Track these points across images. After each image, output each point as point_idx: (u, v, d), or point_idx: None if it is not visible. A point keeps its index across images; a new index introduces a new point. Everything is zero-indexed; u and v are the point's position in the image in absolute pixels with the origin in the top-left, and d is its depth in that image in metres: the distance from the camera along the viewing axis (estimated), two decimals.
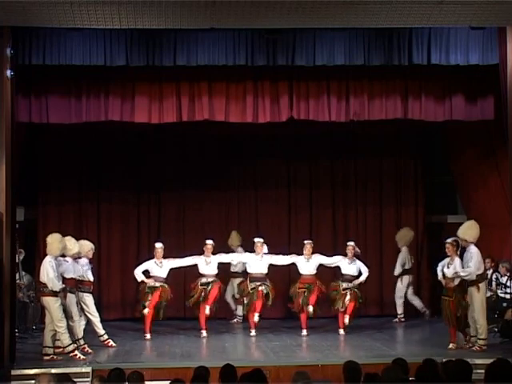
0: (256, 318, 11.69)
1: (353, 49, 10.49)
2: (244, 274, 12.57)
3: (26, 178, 12.64)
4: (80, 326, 10.57)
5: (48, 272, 10.03)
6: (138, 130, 12.07)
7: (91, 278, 10.96)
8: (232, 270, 12.96)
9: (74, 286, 10.51)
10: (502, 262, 11.90)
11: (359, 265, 12.06)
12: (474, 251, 10.34)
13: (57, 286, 9.99)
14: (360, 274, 12.01)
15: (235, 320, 13.14)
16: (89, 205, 13.87)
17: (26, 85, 10.60)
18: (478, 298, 10.26)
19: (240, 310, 12.94)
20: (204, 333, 11.65)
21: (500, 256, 12.02)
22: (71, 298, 10.40)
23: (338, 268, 12.14)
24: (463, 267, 10.34)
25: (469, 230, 10.52)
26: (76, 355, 9.99)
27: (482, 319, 10.26)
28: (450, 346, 10.41)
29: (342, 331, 11.83)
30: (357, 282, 11.92)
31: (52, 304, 9.96)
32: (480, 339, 10.25)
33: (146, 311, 11.46)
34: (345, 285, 11.89)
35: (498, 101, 10.67)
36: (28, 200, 13.27)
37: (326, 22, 9.57)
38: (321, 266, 12.05)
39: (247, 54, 10.43)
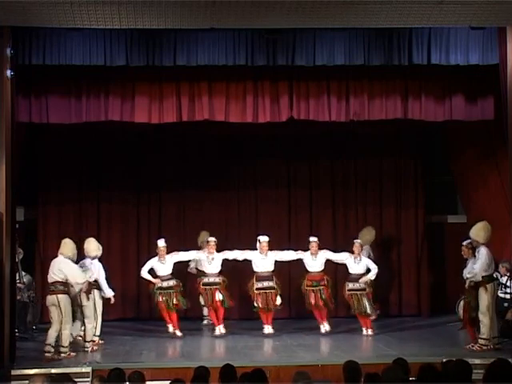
0: (271, 330, 11.69)
1: (353, 49, 10.48)
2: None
3: (26, 178, 12.64)
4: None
5: (72, 268, 10.34)
6: (137, 129, 12.06)
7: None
8: (189, 270, 12.85)
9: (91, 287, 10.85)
10: (502, 262, 11.89)
11: (366, 262, 11.96)
12: (482, 252, 10.45)
13: (82, 277, 10.42)
14: (368, 271, 11.90)
15: (205, 322, 12.93)
16: (89, 205, 13.86)
17: (26, 85, 10.59)
18: (484, 299, 10.31)
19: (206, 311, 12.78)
20: (220, 329, 11.77)
21: (500, 256, 12.00)
22: (89, 300, 10.81)
23: (344, 266, 12.04)
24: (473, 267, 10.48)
25: (481, 232, 10.64)
26: (69, 354, 10.22)
27: (486, 319, 10.30)
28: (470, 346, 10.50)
29: (364, 331, 11.78)
30: (364, 279, 11.79)
31: (65, 302, 10.18)
32: (481, 339, 10.29)
33: (170, 329, 11.77)
34: (351, 285, 11.85)
35: (498, 101, 10.67)
36: (28, 200, 13.27)
37: (326, 22, 9.57)
38: (327, 262, 12.00)
39: (247, 54, 10.42)
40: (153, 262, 11.86)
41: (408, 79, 11.12)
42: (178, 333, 11.68)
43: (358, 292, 11.77)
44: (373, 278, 11.90)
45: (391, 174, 14.37)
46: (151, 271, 11.97)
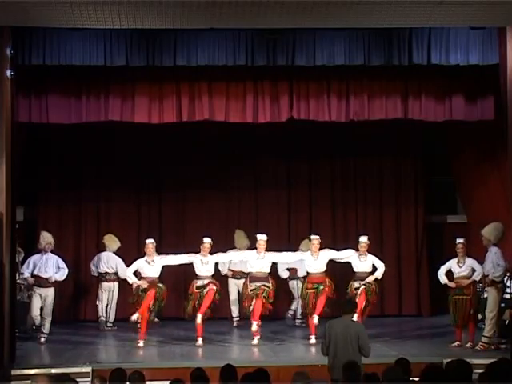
0: (254, 327, 10.95)
1: (353, 49, 10.49)
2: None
3: (26, 178, 12.62)
4: None
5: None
6: (138, 129, 12.05)
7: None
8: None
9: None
10: None
11: (372, 259, 11.44)
12: (494, 251, 10.64)
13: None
14: (375, 269, 11.38)
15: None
16: (89, 205, 13.87)
17: (26, 85, 10.60)
18: (493, 297, 10.57)
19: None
20: (200, 341, 10.96)
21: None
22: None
23: (349, 264, 11.52)
24: (484, 266, 10.71)
25: (495, 231, 10.78)
26: None
27: (492, 316, 10.50)
28: (456, 344, 10.64)
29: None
30: (371, 278, 11.25)
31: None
32: (485, 337, 10.49)
33: (134, 317, 10.97)
34: (356, 284, 11.23)
35: (498, 101, 10.68)
36: (28, 200, 13.26)
37: (326, 22, 9.57)
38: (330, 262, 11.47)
39: (247, 54, 10.43)
40: (140, 263, 11.13)
41: (408, 79, 11.13)
42: (141, 343, 10.95)
43: (366, 284, 11.19)
44: (380, 276, 11.38)
45: (391, 173, 14.38)
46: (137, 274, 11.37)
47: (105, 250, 12.87)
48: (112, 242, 12.87)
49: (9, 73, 9.69)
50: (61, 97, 10.80)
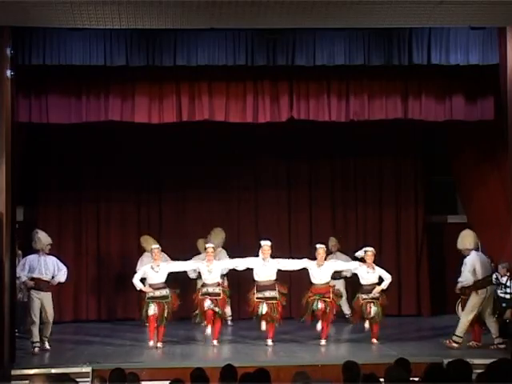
0: (270, 342, 10.95)
1: (353, 49, 10.50)
2: None
3: (26, 178, 12.62)
4: None
5: None
6: (138, 129, 12.06)
7: None
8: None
9: None
10: (501, 263, 11.88)
11: (380, 272, 11.07)
12: (467, 260, 10.76)
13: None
14: (381, 281, 11.10)
15: None
16: (89, 205, 13.87)
17: (26, 85, 10.60)
18: (471, 300, 10.64)
19: None
20: (215, 342, 11.04)
21: (499, 256, 12.01)
22: None
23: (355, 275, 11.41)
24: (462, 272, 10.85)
25: (464, 239, 10.85)
26: None
27: (464, 319, 10.64)
28: (471, 343, 10.75)
29: (374, 340, 11.01)
30: (377, 289, 10.93)
31: None
32: (455, 335, 10.67)
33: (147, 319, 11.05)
34: (364, 296, 10.96)
35: (498, 101, 10.69)
36: (28, 200, 13.26)
37: (326, 22, 9.58)
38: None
39: (247, 54, 10.44)
40: (146, 269, 11.11)
41: (408, 79, 11.14)
42: (160, 344, 10.84)
43: (374, 300, 10.93)
44: (385, 287, 11.09)
45: (391, 173, 14.37)
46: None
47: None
48: (146, 243, 12.71)
49: (9, 73, 9.70)
50: (61, 97, 10.80)
